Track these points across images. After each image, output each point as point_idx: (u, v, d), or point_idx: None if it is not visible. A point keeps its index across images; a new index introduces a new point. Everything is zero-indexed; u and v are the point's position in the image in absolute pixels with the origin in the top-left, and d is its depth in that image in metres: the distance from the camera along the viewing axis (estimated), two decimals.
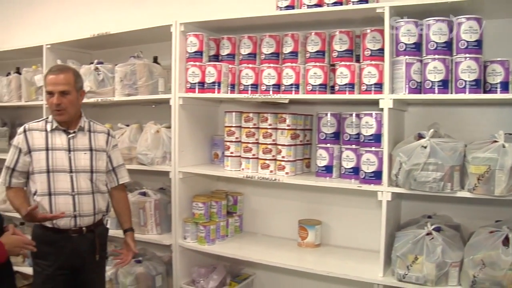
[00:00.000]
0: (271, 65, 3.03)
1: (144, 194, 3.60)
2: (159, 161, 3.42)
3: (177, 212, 3.32)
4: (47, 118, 2.93)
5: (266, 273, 3.49)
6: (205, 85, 3.16)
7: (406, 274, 2.53)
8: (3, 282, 2.36)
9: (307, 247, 3.18)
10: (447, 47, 2.54)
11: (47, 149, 2.83)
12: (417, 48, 2.59)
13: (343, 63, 2.81)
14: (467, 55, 2.47)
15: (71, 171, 2.83)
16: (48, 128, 2.87)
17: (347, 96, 2.78)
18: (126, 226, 3.12)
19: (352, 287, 3.10)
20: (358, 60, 2.86)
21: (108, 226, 3.18)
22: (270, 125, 3.06)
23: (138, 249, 3.60)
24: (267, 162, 3.06)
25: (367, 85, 2.70)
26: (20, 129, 2.90)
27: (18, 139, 2.87)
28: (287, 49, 3.03)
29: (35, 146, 2.83)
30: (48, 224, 2.81)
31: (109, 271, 3.47)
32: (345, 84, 2.78)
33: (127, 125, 3.75)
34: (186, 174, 3.31)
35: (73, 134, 2.89)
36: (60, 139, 2.86)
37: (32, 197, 2.84)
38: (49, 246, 2.80)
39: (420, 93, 2.58)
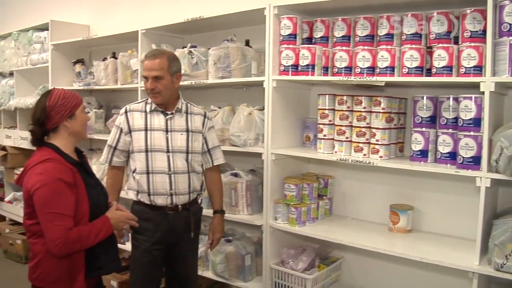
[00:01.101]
0: (366, 47, 2.98)
1: (236, 175, 3.67)
2: (251, 143, 3.47)
3: (269, 193, 3.36)
4: (146, 99, 3.04)
5: (355, 257, 3.49)
6: (299, 68, 3.16)
7: (504, 264, 2.44)
8: (108, 254, 2.49)
9: (398, 232, 3.14)
10: None
11: (146, 129, 2.95)
12: None
13: (440, 45, 2.72)
14: None
15: (168, 151, 2.94)
16: (147, 109, 2.99)
17: (445, 79, 2.70)
18: (216, 208, 3.22)
19: (444, 275, 3.05)
20: (456, 42, 2.77)
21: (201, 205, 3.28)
22: (364, 108, 3.02)
23: (227, 228, 3.72)
24: (361, 145, 3.03)
25: (466, 67, 2.61)
26: (122, 110, 3.04)
27: (120, 120, 3.02)
28: (383, 31, 2.97)
29: (135, 126, 2.96)
30: (146, 201, 2.95)
31: (200, 248, 3.59)
32: (443, 67, 2.69)
33: (219, 107, 3.82)
34: (278, 156, 3.34)
35: (170, 115, 2.99)
36: (158, 120, 2.97)
37: (132, 174, 2.99)
38: (147, 222, 2.93)
39: None
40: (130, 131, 2.98)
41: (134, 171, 2.98)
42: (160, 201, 2.94)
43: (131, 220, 2.64)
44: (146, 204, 2.97)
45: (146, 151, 2.94)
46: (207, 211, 3.39)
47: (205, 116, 3.12)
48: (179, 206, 2.99)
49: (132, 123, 2.98)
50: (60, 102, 2.37)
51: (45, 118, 2.38)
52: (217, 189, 3.23)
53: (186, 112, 3.06)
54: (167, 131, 2.97)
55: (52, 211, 2.21)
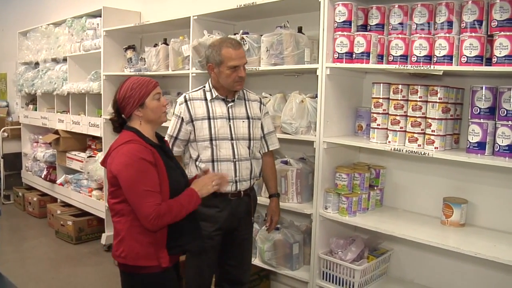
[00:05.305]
0: (423, 35, 2.90)
1: (286, 162, 3.65)
2: (303, 131, 3.45)
3: (320, 181, 3.33)
4: (204, 87, 3.06)
5: (404, 249, 3.44)
6: (354, 56, 3.11)
7: None
8: (190, 233, 2.54)
9: (451, 225, 3.06)
10: None
11: (209, 118, 2.97)
12: None
13: (503, 33, 2.61)
14: None
15: (232, 139, 2.98)
16: (208, 97, 3.01)
17: (506, 68, 2.58)
18: (272, 191, 3.28)
19: (499, 272, 2.98)
20: None
21: None
22: (420, 97, 2.94)
23: None
24: (416, 135, 2.96)
25: None
26: (181, 99, 3.05)
27: (180, 109, 3.02)
28: (441, 18, 2.88)
29: (197, 115, 2.98)
30: None
31: None
32: (504, 56, 2.58)
33: (270, 94, 3.80)
34: (330, 144, 3.30)
35: (231, 103, 3.02)
36: (220, 108, 3.00)
37: (193, 163, 3.02)
38: (210, 209, 2.97)
39: None
40: (192, 120, 2.99)
41: (196, 160, 3.01)
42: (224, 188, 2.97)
43: (215, 179, 2.60)
44: None
45: (211, 139, 2.97)
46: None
47: (260, 102, 3.18)
48: (242, 192, 3.04)
49: (194, 112, 2.99)
50: (129, 94, 2.45)
51: (117, 108, 2.52)
52: (272, 173, 3.29)
53: (244, 99, 3.10)
54: (229, 119, 3.00)
55: (140, 189, 2.30)
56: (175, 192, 2.43)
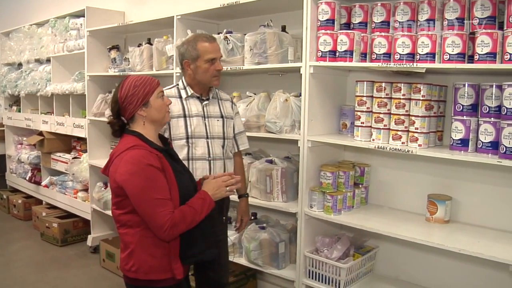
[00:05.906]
0: (406, 33, 2.90)
1: (271, 161, 3.65)
2: (287, 130, 3.44)
3: (304, 180, 3.33)
4: (177, 84, 3.05)
5: (390, 247, 3.44)
6: (337, 54, 3.11)
7: None
8: (202, 242, 2.42)
9: (435, 222, 3.07)
10: None
11: (184, 116, 2.95)
12: None
13: (484, 30, 2.63)
14: None
15: (207, 137, 2.96)
16: (183, 95, 2.99)
17: (488, 66, 2.60)
18: (242, 192, 3.29)
19: (483, 268, 2.99)
20: (501, 28, 2.67)
21: None
22: (403, 95, 2.95)
23: (261, 215, 3.73)
24: (399, 133, 2.97)
25: (511, 54, 2.51)
26: None
27: None
28: (423, 16, 2.89)
29: (173, 113, 2.93)
30: None
31: (232, 235, 3.60)
32: (486, 53, 2.60)
33: (254, 94, 3.80)
34: (314, 143, 3.30)
35: (206, 102, 3.00)
36: (195, 106, 2.98)
37: None
38: None
39: None
40: None
41: None
42: None
43: (228, 180, 2.49)
44: None
45: (187, 137, 2.94)
46: None
47: (232, 101, 3.20)
48: None
49: (170, 110, 2.96)
50: (132, 92, 2.31)
51: (118, 109, 2.36)
52: (242, 173, 3.29)
53: (218, 98, 3.10)
54: (204, 117, 2.99)
55: (151, 198, 2.17)
56: (184, 198, 2.30)
